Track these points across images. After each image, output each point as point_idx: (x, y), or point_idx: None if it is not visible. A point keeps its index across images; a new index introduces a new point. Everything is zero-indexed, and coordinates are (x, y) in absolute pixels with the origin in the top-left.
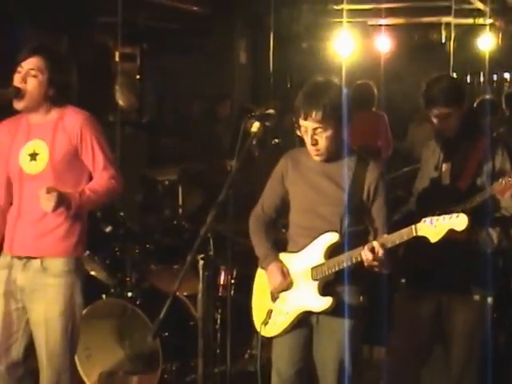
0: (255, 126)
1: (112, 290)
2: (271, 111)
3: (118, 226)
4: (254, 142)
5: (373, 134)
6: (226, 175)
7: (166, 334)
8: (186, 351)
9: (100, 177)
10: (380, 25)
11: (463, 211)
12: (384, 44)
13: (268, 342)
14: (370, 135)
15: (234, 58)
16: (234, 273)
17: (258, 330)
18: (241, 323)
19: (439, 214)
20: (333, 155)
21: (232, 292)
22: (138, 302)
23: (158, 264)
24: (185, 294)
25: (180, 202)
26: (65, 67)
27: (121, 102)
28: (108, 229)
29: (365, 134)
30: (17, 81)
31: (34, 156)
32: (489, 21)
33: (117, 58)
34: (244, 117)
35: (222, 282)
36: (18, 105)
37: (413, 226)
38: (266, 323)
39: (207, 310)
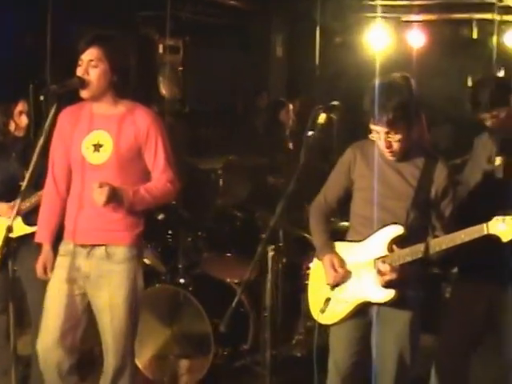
0: (322, 117)
1: (163, 277)
2: (336, 103)
3: (170, 213)
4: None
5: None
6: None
7: (218, 320)
8: (235, 337)
9: (158, 179)
10: (413, 21)
11: None
12: (417, 40)
13: (314, 327)
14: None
15: (270, 52)
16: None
17: (316, 317)
18: (288, 309)
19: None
20: (404, 154)
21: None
22: (190, 289)
23: (209, 251)
24: (235, 281)
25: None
26: (122, 52)
27: (164, 93)
28: (160, 216)
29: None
30: (79, 73)
31: (97, 146)
32: None
33: (161, 50)
34: (277, 109)
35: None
36: (84, 94)
37: (484, 225)
38: (323, 311)
39: (275, 300)
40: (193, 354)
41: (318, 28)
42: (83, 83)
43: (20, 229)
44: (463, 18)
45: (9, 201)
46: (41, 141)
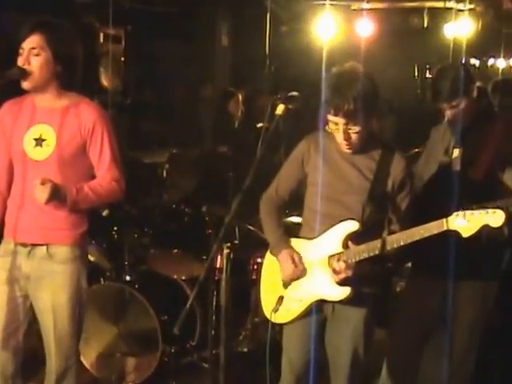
0: (280, 108)
1: (109, 274)
2: (295, 93)
3: (115, 209)
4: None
5: None
6: (219, 160)
7: (165, 317)
8: (182, 334)
9: (102, 177)
10: (363, 9)
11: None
12: (366, 28)
13: (261, 323)
14: None
15: (216, 41)
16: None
17: (269, 316)
18: (235, 305)
19: (472, 209)
20: (361, 146)
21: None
22: (136, 286)
23: (156, 248)
24: (183, 277)
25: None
26: (67, 40)
27: (105, 84)
28: (105, 212)
29: None
30: (20, 62)
31: (39, 141)
32: (468, 6)
33: (101, 40)
34: (226, 100)
35: (218, 266)
36: (25, 85)
37: (444, 220)
38: (276, 310)
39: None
40: (140, 352)
41: (268, 15)
42: (24, 73)
43: None
44: (414, 7)
45: None
46: None
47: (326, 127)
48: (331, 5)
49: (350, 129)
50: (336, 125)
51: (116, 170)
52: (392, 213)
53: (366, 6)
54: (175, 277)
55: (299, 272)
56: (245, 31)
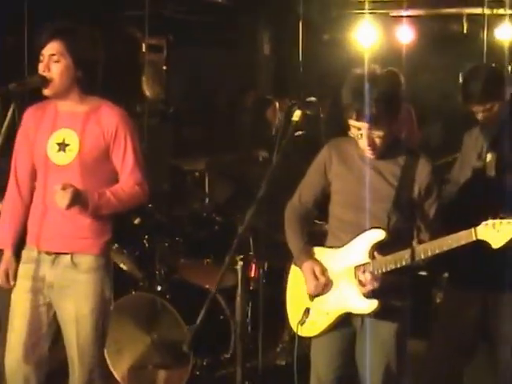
0: (296, 114)
1: (141, 284)
2: (312, 99)
3: (147, 217)
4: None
5: (399, 125)
6: (255, 166)
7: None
8: (216, 346)
9: (125, 181)
10: (402, 16)
11: None
12: (406, 35)
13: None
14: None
15: (257, 50)
16: (265, 266)
17: (295, 329)
18: (271, 316)
19: (501, 218)
20: (385, 151)
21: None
22: (167, 296)
23: (187, 257)
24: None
25: (207, 192)
26: (87, 45)
27: (147, 93)
28: (137, 221)
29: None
30: (41, 69)
31: (63, 146)
32: (509, 11)
33: (143, 49)
34: (263, 107)
35: (252, 275)
36: (47, 92)
37: (472, 230)
38: (302, 322)
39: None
40: (171, 364)
41: (300, 24)
42: (45, 80)
43: None
44: (453, 13)
45: None
46: None
47: (348, 132)
48: (370, 13)
49: (373, 133)
50: (358, 130)
51: (139, 174)
52: (420, 220)
53: (404, 13)
54: (207, 286)
55: (323, 285)
56: (286, 39)
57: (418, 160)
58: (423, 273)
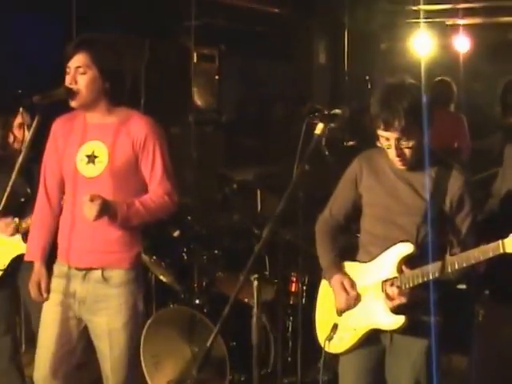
0: (318, 127)
1: (182, 296)
2: (337, 111)
3: (186, 230)
4: (322, 144)
5: (451, 135)
6: (303, 178)
7: (234, 343)
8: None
9: (154, 191)
10: (458, 25)
11: None
12: (462, 44)
13: None
14: (447, 136)
15: (313, 59)
16: (306, 280)
17: (322, 344)
18: (312, 331)
19: None
20: (416, 162)
21: (303, 300)
22: (205, 310)
23: (225, 270)
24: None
25: (259, 206)
26: (113, 55)
27: (199, 103)
28: (176, 233)
29: (442, 134)
30: (67, 82)
31: (92, 158)
32: None
33: (195, 59)
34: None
35: (293, 290)
36: (74, 104)
37: (500, 242)
38: (330, 338)
39: (263, 336)
40: (210, 379)
41: (345, 33)
42: (71, 93)
43: (20, 247)
44: (510, 22)
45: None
46: (20, 157)
47: (377, 143)
48: (426, 22)
49: (402, 144)
50: (387, 140)
51: (168, 184)
52: (452, 235)
53: (460, 21)
54: (246, 300)
55: (352, 300)
56: (342, 49)
57: (450, 172)
58: (463, 286)
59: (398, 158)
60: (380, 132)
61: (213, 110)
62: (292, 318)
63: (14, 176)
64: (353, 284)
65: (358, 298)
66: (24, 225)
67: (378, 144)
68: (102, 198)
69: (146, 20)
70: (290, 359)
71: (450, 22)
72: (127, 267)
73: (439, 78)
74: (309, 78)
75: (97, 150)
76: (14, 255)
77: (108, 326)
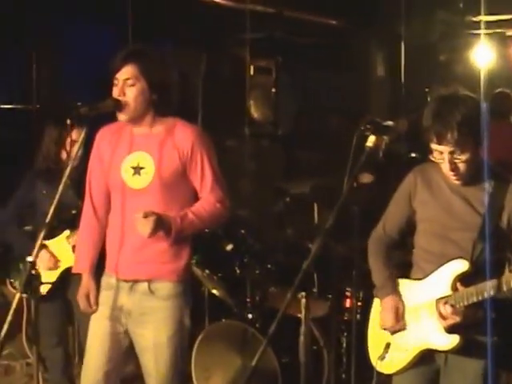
0: (370, 139)
1: (235, 310)
2: (389, 123)
3: (239, 244)
4: (380, 156)
5: (510, 148)
6: (358, 191)
7: (287, 359)
8: (308, 377)
9: (206, 200)
10: None
11: None
12: None
13: None
14: (506, 148)
15: (371, 71)
16: (361, 295)
17: (374, 364)
18: (367, 348)
19: None
20: (471, 176)
21: (358, 315)
22: (257, 325)
23: (278, 285)
24: (310, 316)
25: (315, 219)
26: (161, 67)
27: (255, 115)
28: (229, 247)
29: (500, 147)
30: (115, 94)
31: (137, 169)
32: None
33: (251, 72)
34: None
35: (347, 305)
36: (122, 117)
37: None
38: (382, 358)
39: (316, 352)
40: None
41: (402, 45)
42: (120, 105)
43: (70, 260)
44: None
45: (63, 229)
46: (67, 169)
47: (431, 156)
48: (486, 33)
49: (456, 158)
50: (441, 154)
51: (219, 191)
52: (509, 252)
53: None
54: (299, 315)
55: (398, 326)
56: (400, 60)
57: (507, 186)
58: None
59: (452, 173)
60: (433, 145)
61: (269, 122)
62: (346, 333)
63: (60, 189)
64: (403, 311)
65: (402, 326)
66: (75, 237)
67: (432, 158)
68: (155, 213)
69: (202, 33)
70: (344, 376)
71: (510, 32)
72: (175, 280)
73: (499, 89)
74: (367, 91)
75: (142, 161)
76: (63, 268)
77: (153, 338)
